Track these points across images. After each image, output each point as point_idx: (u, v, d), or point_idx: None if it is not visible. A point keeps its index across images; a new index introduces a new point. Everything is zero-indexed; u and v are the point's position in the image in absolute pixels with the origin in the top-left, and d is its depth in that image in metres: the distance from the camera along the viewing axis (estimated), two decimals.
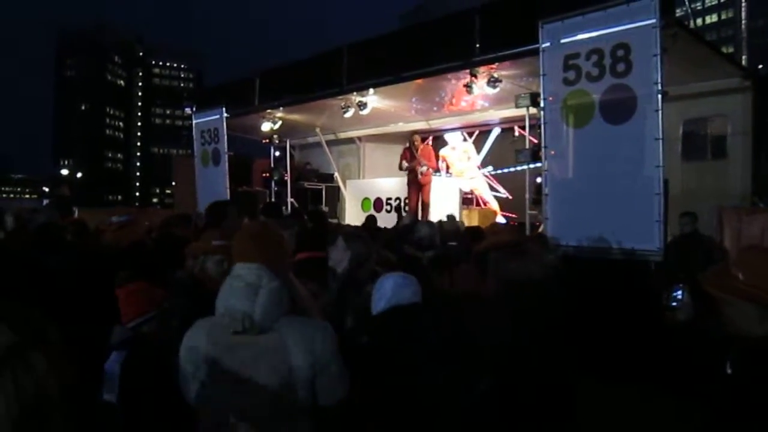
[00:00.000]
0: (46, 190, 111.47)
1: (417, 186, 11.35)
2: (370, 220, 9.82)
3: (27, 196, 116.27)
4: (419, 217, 10.22)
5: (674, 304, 2.65)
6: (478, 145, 13.83)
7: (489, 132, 13.57)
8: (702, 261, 6.64)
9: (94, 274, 3.14)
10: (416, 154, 11.38)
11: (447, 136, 13.55)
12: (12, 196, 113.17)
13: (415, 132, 13.81)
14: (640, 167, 6.24)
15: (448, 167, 13.79)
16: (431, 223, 6.73)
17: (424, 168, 11.24)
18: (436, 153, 12.83)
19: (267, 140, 14.58)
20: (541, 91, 7.19)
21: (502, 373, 2.49)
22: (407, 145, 11.80)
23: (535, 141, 8.38)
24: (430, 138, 14.44)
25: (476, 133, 13.84)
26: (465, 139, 13.96)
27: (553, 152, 7.08)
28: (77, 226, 5.32)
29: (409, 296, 2.64)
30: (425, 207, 11.20)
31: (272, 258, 2.11)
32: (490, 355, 2.57)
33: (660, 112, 6.04)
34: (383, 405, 2.36)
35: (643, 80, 6.18)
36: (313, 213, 8.09)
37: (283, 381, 1.97)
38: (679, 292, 2.66)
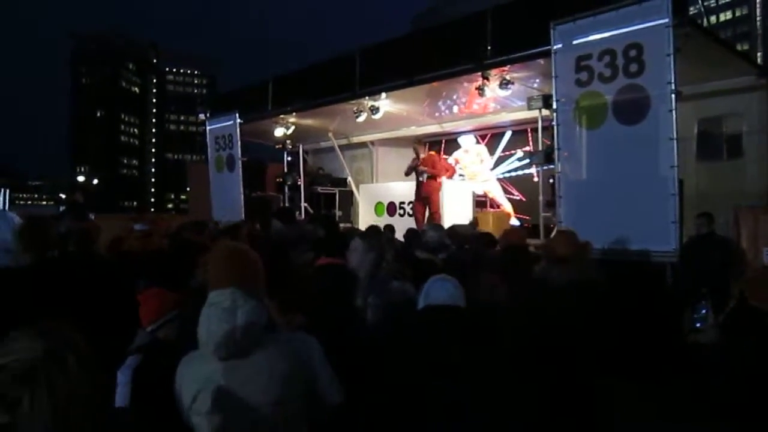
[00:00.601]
0: (63, 196, 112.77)
1: (420, 195, 11.08)
2: (389, 230, 9.80)
3: (44, 202, 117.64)
4: None
5: (698, 324, 2.58)
6: (491, 147, 13.82)
7: (502, 135, 13.55)
8: (719, 262, 6.58)
9: (117, 282, 3.18)
10: (419, 161, 11.12)
11: (460, 139, 13.54)
12: (29, 202, 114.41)
13: (427, 135, 13.86)
14: (654, 168, 6.20)
15: (459, 170, 13.75)
16: (438, 226, 6.74)
17: (424, 176, 10.93)
18: (443, 158, 12.76)
19: (280, 145, 14.66)
20: (553, 92, 7.16)
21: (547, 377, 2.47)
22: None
23: (548, 143, 8.37)
24: (443, 142, 14.45)
25: (488, 136, 13.83)
26: (477, 142, 13.94)
27: (566, 154, 7.05)
28: (80, 234, 5.35)
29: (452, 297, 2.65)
30: (432, 216, 10.79)
31: (244, 280, 2.12)
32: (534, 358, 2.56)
33: (674, 112, 6.00)
34: (406, 402, 2.37)
35: (657, 80, 6.14)
36: (323, 218, 8.09)
37: (277, 397, 1.99)
38: (704, 311, 2.59)
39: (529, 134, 12.47)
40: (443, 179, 11.17)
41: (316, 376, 2.09)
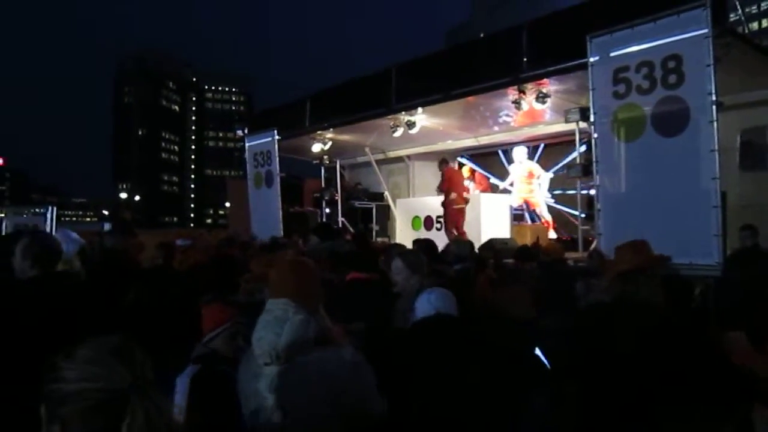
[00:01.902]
0: (106, 213, 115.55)
1: (446, 214, 11.09)
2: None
3: (88, 219, 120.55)
4: None
5: None
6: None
7: (538, 147, 13.46)
8: (764, 276, 6.42)
9: (184, 295, 3.30)
10: (442, 180, 11.15)
11: (513, 151, 13.32)
12: (74, 219, 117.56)
13: (464, 149, 13.87)
14: (695, 180, 6.12)
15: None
16: (462, 241, 6.76)
17: (453, 195, 10.89)
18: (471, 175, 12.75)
19: (317, 161, 14.85)
20: (590, 105, 7.14)
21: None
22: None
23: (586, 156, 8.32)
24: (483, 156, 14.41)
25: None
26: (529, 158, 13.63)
27: (604, 167, 7.00)
28: (124, 249, 5.50)
29: (441, 308, 2.73)
30: (454, 234, 10.65)
31: (300, 291, 2.22)
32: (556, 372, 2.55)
33: (715, 123, 5.93)
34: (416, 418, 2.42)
35: (697, 91, 6.08)
36: (355, 235, 8.19)
37: (309, 406, 2.07)
38: None
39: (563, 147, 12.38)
40: (476, 194, 11.15)
41: (346, 391, 2.13)
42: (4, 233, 17.83)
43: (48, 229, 19.46)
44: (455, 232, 10.75)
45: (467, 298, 3.36)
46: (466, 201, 11.09)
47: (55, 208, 21.37)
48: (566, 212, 12.62)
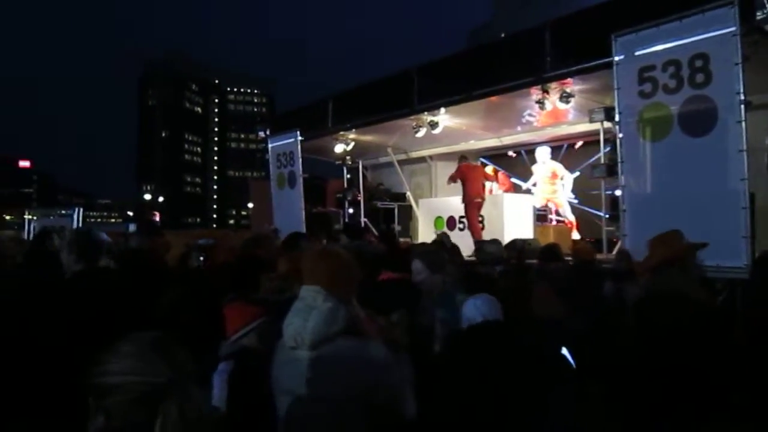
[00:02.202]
0: (131, 214, 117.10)
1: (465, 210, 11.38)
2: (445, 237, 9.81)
3: (113, 220, 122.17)
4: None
5: None
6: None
7: (560, 148, 13.36)
8: None
9: (209, 294, 3.35)
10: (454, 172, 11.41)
11: (537, 151, 13.27)
12: (99, 220, 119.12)
13: (486, 149, 13.84)
14: (723, 180, 6.04)
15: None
16: (495, 241, 6.73)
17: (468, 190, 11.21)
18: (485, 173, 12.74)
19: (340, 161, 14.89)
20: (615, 104, 7.08)
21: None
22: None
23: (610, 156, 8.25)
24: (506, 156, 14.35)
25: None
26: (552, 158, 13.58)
27: (630, 167, 6.94)
28: (150, 248, 5.57)
29: (488, 314, 2.73)
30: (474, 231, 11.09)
31: (331, 280, 2.23)
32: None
33: (743, 122, 5.84)
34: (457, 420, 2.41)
35: (724, 90, 5.99)
36: (383, 234, 8.20)
37: (333, 396, 2.09)
38: None
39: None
40: (499, 194, 11.16)
41: (371, 387, 2.12)
42: (32, 235, 18.24)
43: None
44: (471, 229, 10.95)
45: (524, 303, 3.32)
46: (483, 198, 11.22)
47: (81, 209, 21.77)
48: (590, 213, 12.50)
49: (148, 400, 1.19)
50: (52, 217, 21.42)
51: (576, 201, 13.04)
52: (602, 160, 9.17)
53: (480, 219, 11.52)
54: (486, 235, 10.43)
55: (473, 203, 11.17)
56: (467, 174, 11.29)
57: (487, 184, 12.87)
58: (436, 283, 3.54)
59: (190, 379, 1.26)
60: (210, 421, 1.28)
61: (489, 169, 13.30)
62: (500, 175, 13.38)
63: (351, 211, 14.79)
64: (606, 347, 2.62)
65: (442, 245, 6.83)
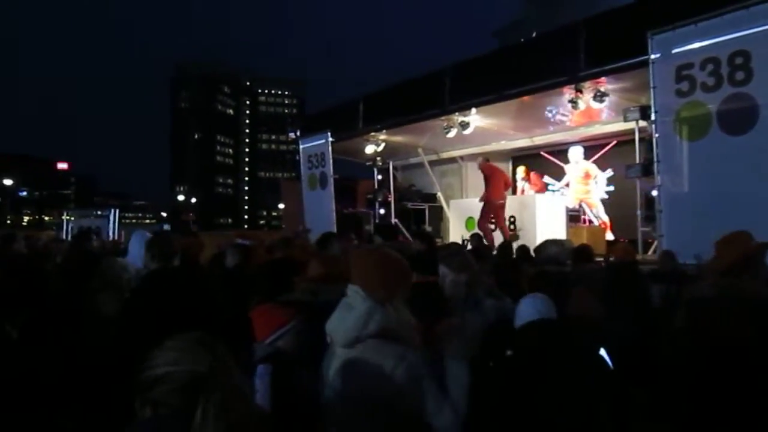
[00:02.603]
0: (164, 215, 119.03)
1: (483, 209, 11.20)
2: (475, 239, 9.75)
3: (147, 221, 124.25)
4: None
5: None
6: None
7: (593, 147, 13.15)
8: None
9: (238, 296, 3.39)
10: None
11: (569, 151, 13.12)
12: (134, 221, 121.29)
13: (518, 150, 13.73)
14: (764, 179, 5.90)
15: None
16: (558, 241, 6.64)
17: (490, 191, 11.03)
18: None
19: (371, 162, 14.92)
20: (651, 103, 6.98)
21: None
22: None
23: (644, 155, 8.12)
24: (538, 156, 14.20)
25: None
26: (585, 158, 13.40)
27: (666, 166, 6.83)
28: (184, 249, 5.69)
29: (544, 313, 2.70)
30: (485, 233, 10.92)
31: (370, 282, 2.22)
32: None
33: None
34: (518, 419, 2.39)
35: (766, 88, 5.86)
36: (421, 234, 8.12)
37: (357, 396, 2.10)
38: None
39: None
40: (531, 195, 11.03)
41: (404, 392, 2.08)
42: (70, 236, 18.72)
43: (111, 231, 20.36)
44: (491, 227, 10.91)
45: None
46: (504, 199, 11.09)
47: (117, 211, 22.28)
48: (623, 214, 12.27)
49: (191, 388, 1.22)
50: (89, 218, 21.96)
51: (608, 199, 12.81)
52: (637, 160, 9.01)
53: (512, 220, 11.44)
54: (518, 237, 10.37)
55: (496, 205, 11.03)
56: (493, 173, 11.22)
57: (519, 185, 12.79)
58: (461, 285, 3.48)
59: (232, 370, 1.30)
60: (255, 415, 1.30)
61: (521, 170, 13.15)
62: (532, 175, 13.22)
63: (382, 211, 14.80)
64: (655, 350, 2.58)
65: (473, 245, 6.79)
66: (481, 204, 11.07)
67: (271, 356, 2.42)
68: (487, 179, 11.10)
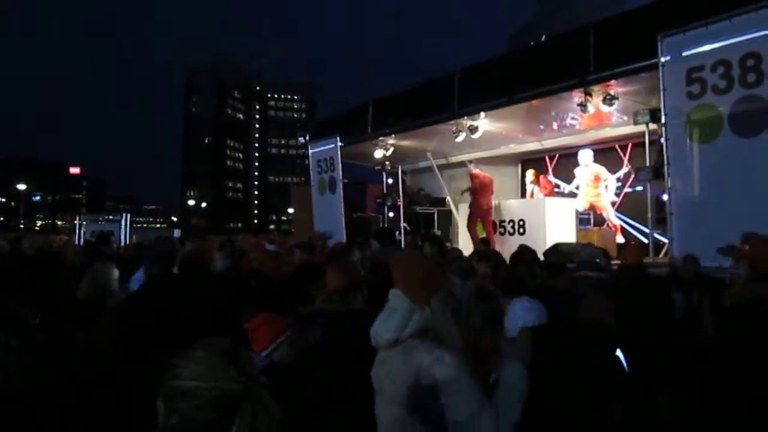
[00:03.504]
0: (175, 219, 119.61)
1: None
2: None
3: (158, 225, 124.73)
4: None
5: None
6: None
7: (603, 150, 13.08)
8: None
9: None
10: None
11: (579, 154, 13.08)
12: (145, 225, 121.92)
13: (527, 153, 13.71)
14: None
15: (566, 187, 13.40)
16: (591, 245, 6.62)
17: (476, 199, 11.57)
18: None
19: (380, 166, 14.93)
20: (662, 106, 6.94)
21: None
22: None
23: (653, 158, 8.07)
24: (546, 160, 14.18)
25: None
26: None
27: (677, 169, 6.79)
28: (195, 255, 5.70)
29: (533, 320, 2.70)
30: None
31: (408, 284, 2.30)
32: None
33: None
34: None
35: None
36: (431, 237, 8.04)
37: (402, 395, 2.14)
38: None
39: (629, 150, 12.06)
40: (541, 198, 11.04)
41: (434, 389, 2.10)
42: (83, 239, 18.88)
43: (123, 236, 20.48)
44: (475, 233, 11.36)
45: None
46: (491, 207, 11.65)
47: (128, 215, 22.44)
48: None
49: (220, 406, 1.22)
50: (101, 222, 22.14)
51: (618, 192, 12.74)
52: (647, 163, 8.95)
53: (521, 223, 11.41)
54: (527, 241, 10.31)
55: (483, 210, 11.54)
56: (483, 183, 11.47)
57: (528, 188, 12.77)
58: (467, 290, 3.50)
59: (262, 387, 1.28)
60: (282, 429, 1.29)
61: (530, 173, 13.12)
62: (541, 178, 13.18)
63: (391, 215, 14.80)
64: (678, 354, 2.57)
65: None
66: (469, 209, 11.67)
67: (269, 368, 2.40)
68: (478, 189, 11.49)
